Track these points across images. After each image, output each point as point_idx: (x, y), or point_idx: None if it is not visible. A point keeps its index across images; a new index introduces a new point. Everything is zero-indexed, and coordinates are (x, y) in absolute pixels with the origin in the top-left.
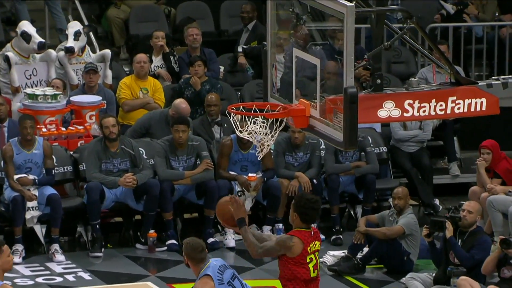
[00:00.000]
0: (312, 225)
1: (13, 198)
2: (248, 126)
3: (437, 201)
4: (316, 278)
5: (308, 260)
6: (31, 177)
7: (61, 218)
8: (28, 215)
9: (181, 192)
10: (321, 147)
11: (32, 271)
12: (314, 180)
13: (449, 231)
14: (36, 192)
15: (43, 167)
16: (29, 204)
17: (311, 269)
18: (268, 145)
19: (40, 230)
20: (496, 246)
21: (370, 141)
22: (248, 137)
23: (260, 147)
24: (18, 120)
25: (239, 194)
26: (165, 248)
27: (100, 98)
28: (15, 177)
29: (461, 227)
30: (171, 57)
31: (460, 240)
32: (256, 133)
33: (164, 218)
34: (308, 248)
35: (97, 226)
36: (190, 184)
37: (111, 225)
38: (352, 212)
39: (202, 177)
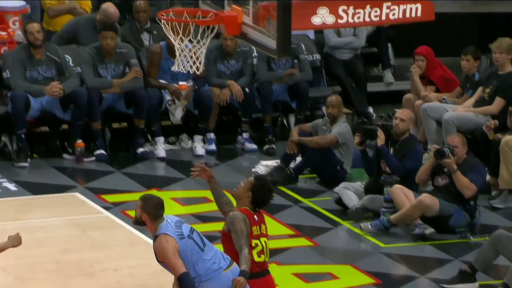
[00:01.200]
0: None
1: None
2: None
3: (371, 109)
4: (262, 265)
5: (253, 244)
6: None
7: None
8: None
9: (109, 101)
10: (253, 55)
11: None
12: (246, 89)
13: (380, 140)
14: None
15: None
16: None
17: (254, 254)
18: (200, 62)
19: None
20: (429, 154)
21: (304, 48)
22: (179, 45)
23: (192, 57)
24: None
25: (169, 103)
26: (94, 158)
27: (24, 2)
28: None
29: (393, 135)
30: None
31: (392, 149)
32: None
33: (92, 128)
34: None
35: (23, 135)
36: (119, 93)
37: (37, 135)
38: (285, 121)
39: (131, 86)
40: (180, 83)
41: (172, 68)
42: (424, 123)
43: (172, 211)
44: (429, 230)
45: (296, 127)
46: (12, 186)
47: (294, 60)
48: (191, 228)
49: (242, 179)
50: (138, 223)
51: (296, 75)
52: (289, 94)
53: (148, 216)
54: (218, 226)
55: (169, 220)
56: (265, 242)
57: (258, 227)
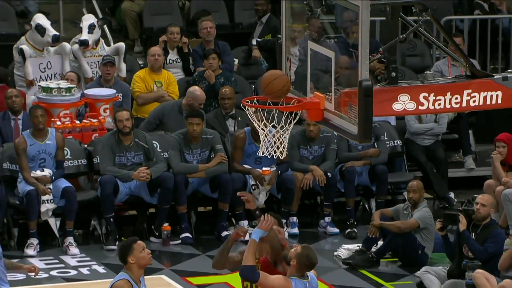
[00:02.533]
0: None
1: (27, 193)
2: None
3: (452, 195)
4: None
5: None
6: (46, 172)
7: (75, 211)
8: (43, 208)
9: (195, 185)
10: (335, 141)
11: (46, 264)
12: (329, 173)
13: (462, 224)
14: (50, 186)
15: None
16: (44, 197)
17: None
18: (284, 147)
19: (54, 223)
20: (511, 240)
21: (385, 131)
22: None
23: (276, 143)
24: (28, 111)
25: (253, 187)
26: (179, 241)
27: (114, 91)
28: (32, 174)
29: (474, 220)
30: (190, 58)
31: (473, 234)
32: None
33: (178, 211)
34: None
35: (111, 219)
36: (204, 177)
37: (125, 218)
38: (366, 206)
39: (216, 170)
40: (264, 168)
41: (258, 153)
42: (505, 208)
43: None
44: None
45: (377, 211)
46: (101, 269)
47: (374, 143)
48: None
49: (326, 263)
50: (286, 260)
51: (373, 155)
52: (370, 177)
53: (298, 266)
54: None
55: (306, 283)
56: None
57: None
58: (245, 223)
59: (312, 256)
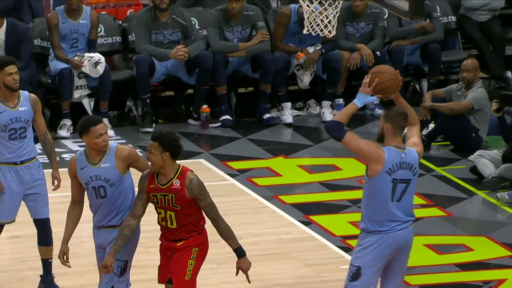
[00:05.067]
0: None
1: (59, 71)
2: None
3: (509, 74)
4: None
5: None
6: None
7: (110, 91)
8: (76, 94)
9: (235, 65)
10: (385, 17)
11: (80, 146)
12: (377, 52)
13: None
14: (85, 62)
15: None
16: (78, 82)
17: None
18: (333, 25)
19: (88, 104)
20: None
21: (438, 8)
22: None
23: (323, 21)
24: None
25: (297, 68)
26: (219, 124)
27: None
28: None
29: None
30: None
31: None
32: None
33: (218, 93)
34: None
35: (147, 100)
36: (245, 57)
37: (161, 100)
38: (417, 86)
39: (257, 49)
40: (299, 53)
41: (303, 32)
42: None
43: (299, 179)
44: None
45: (429, 92)
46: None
47: (426, 19)
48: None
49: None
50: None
51: (427, 35)
52: (422, 57)
53: (390, 124)
54: (347, 195)
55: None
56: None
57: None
58: (288, 105)
59: (403, 110)
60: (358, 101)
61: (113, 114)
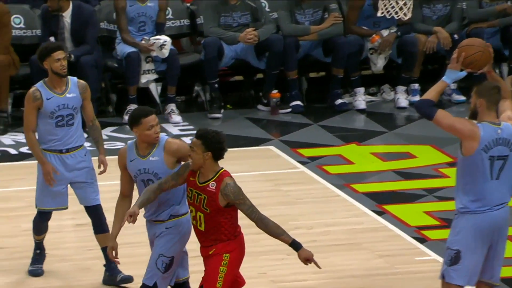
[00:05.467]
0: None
1: (127, 55)
2: None
3: None
4: None
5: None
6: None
7: (177, 76)
8: (143, 78)
9: (306, 48)
10: None
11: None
12: (455, 35)
13: None
14: (153, 47)
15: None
16: (145, 66)
17: None
18: (409, 8)
19: (155, 89)
20: None
21: None
22: None
23: (398, 3)
24: None
25: (370, 52)
26: (289, 109)
27: None
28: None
29: None
30: None
31: None
32: None
33: (288, 77)
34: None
35: (216, 85)
36: (317, 40)
37: (230, 84)
38: (497, 71)
39: (329, 32)
40: (374, 35)
41: (377, 14)
42: None
43: (372, 167)
44: None
45: (509, 77)
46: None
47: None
48: None
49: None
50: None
51: (509, 11)
52: (502, 40)
53: (483, 99)
54: (422, 184)
55: (498, 129)
56: None
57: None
58: (361, 90)
59: (495, 84)
60: (447, 78)
61: (180, 99)
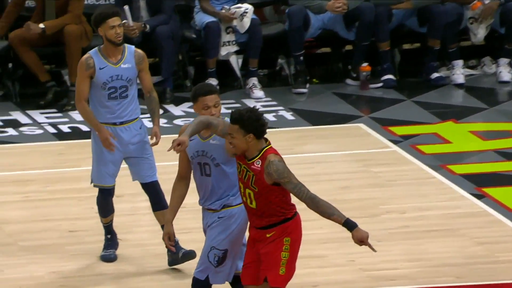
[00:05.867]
0: None
1: (206, 25)
2: None
3: None
4: None
5: None
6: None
7: (260, 47)
8: (223, 50)
9: (399, 17)
10: None
11: (226, 108)
12: None
13: None
14: (234, 16)
15: None
16: (226, 37)
17: None
18: None
19: (236, 62)
20: None
21: None
22: None
23: None
24: None
25: (470, 21)
26: (380, 84)
27: None
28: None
29: None
30: None
31: None
32: None
33: (379, 49)
34: None
35: (301, 57)
36: (411, 9)
37: (317, 57)
38: None
39: (425, 0)
40: (475, 2)
41: None
42: None
43: (471, 146)
44: None
45: None
46: (288, 115)
47: None
48: None
49: None
50: None
51: None
52: None
53: None
54: None
55: None
56: None
57: None
58: (459, 63)
59: None
60: None
61: (263, 73)
